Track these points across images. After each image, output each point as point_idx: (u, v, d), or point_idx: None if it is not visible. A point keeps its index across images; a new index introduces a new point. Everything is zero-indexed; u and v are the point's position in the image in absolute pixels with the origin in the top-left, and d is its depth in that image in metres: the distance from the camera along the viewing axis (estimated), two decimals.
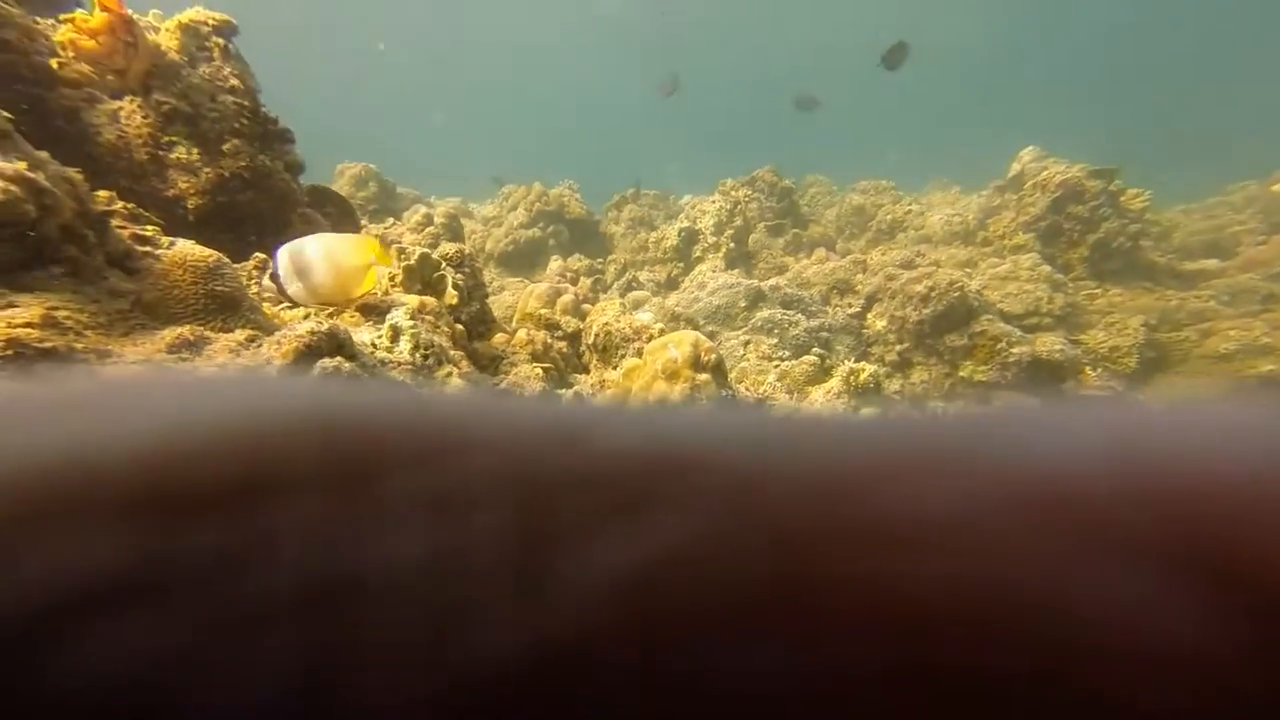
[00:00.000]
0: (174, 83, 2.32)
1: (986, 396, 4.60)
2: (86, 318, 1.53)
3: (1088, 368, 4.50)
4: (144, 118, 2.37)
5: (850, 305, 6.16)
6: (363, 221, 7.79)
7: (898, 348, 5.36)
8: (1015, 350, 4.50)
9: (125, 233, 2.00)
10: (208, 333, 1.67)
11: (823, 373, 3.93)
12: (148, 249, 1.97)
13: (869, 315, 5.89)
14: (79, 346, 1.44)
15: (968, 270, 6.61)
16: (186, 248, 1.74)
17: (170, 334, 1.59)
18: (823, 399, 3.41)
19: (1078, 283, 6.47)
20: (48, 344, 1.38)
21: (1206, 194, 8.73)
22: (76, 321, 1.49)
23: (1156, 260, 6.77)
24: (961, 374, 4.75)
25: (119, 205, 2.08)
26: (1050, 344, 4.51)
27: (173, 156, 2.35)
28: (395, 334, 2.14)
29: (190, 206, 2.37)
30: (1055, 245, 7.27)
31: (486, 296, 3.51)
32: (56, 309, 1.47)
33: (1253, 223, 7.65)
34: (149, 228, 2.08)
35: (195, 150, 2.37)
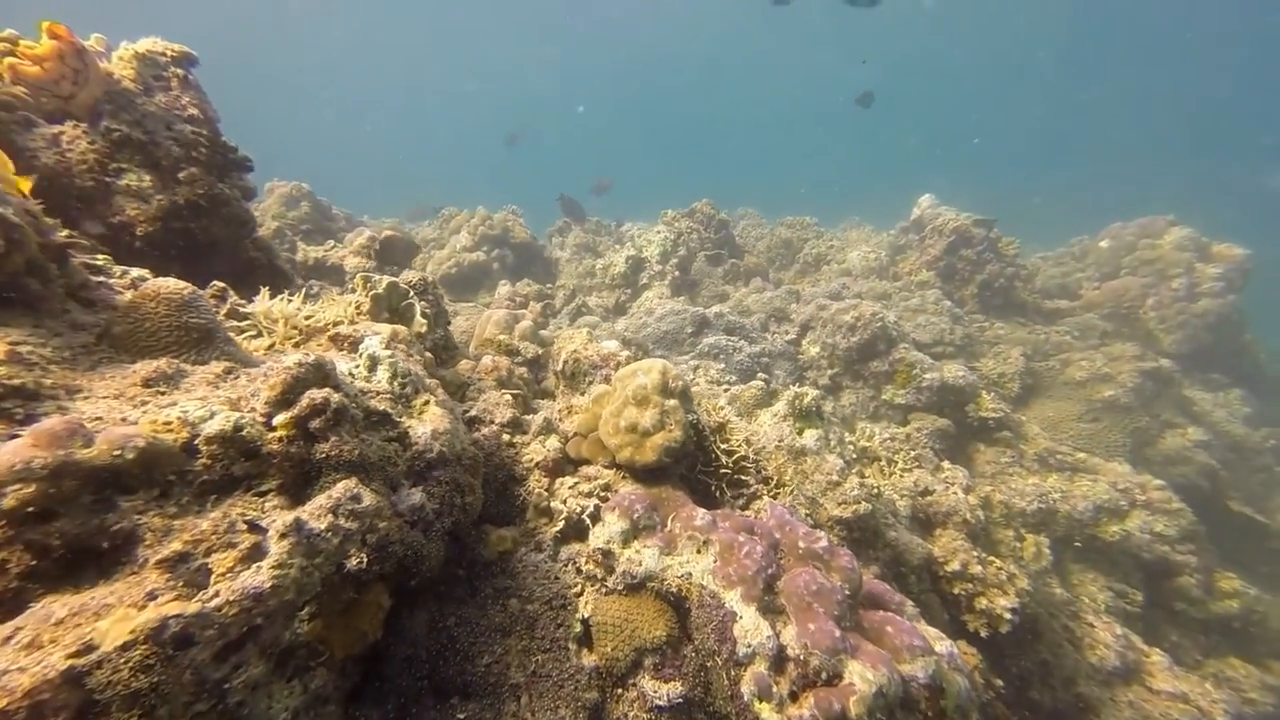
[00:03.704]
0: (127, 111, 2.22)
1: (905, 417, 5.19)
2: (50, 352, 1.46)
3: (983, 392, 5.24)
4: (90, 144, 2.24)
5: (787, 332, 6.70)
6: (296, 241, 7.39)
7: (829, 372, 5.91)
8: (928, 376, 5.15)
9: (74, 262, 1.89)
10: (184, 365, 1.62)
11: (768, 396, 4.28)
12: (101, 279, 1.88)
13: (804, 342, 6.44)
14: (47, 382, 1.38)
15: (885, 302, 7.44)
16: (160, 280, 1.69)
17: (145, 367, 1.54)
18: (770, 421, 3.73)
19: (971, 316, 7.49)
20: (15, 380, 1.32)
21: (1055, 244, 10.51)
22: (40, 356, 1.42)
23: (1026, 299, 8.02)
24: (884, 397, 5.33)
25: (64, 233, 1.97)
26: (955, 371, 5.21)
27: (121, 183, 2.22)
28: (373, 363, 2.15)
29: (139, 234, 2.24)
30: (952, 282, 8.39)
31: (448, 323, 3.52)
32: (19, 344, 1.40)
33: (1089, 270, 9.30)
34: (100, 257, 1.98)
35: (147, 177, 2.26)
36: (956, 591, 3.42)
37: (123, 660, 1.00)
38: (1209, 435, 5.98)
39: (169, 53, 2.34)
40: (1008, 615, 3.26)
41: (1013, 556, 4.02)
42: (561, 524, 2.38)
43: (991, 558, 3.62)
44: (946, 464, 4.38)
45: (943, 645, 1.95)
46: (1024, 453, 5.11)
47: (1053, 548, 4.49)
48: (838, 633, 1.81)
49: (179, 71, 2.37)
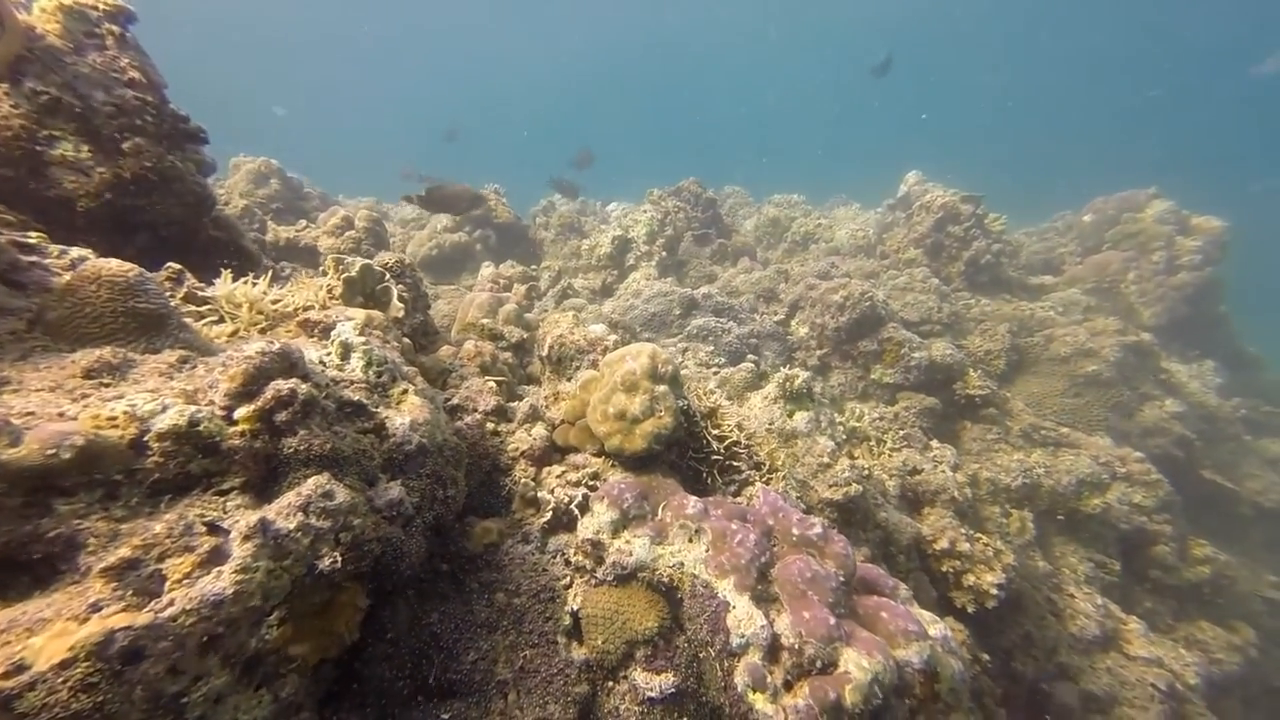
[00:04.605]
0: (55, 71, 2.01)
1: (893, 396, 5.19)
2: None
3: (970, 369, 5.25)
4: (13, 107, 2.03)
5: (775, 313, 6.64)
6: (266, 221, 7.06)
7: (818, 352, 5.88)
8: (916, 355, 5.14)
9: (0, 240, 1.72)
10: (132, 355, 1.49)
11: (758, 378, 4.23)
12: (34, 259, 1.72)
13: (792, 322, 6.39)
14: None
15: (873, 280, 7.40)
16: (102, 261, 1.54)
17: (86, 357, 1.40)
18: (760, 404, 3.68)
19: (958, 293, 7.50)
20: None
21: (1038, 219, 10.57)
22: None
23: (1012, 275, 8.05)
24: (873, 376, 5.33)
25: None
26: (942, 349, 5.21)
27: (55, 153, 2.03)
28: (346, 351, 2.02)
29: (80, 210, 2.06)
30: (939, 260, 8.37)
31: (428, 307, 3.38)
32: None
33: (1072, 245, 9.36)
34: (33, 234, 1.81)
35: (85, 147, 2.06)
36: (945, 569, 3.46)
37: (60, 680, 0.90)
38: (1184, 406, 6.12)
39: (102, 6, 2.11)
40: (994, 591, 3.31)
41: (999, 532, 4.09)
42: (549, 514, 2.31)
43: (979, 534, 3.66)
44: (935, 442, 4.40)
45: (937, 629, 1.94)
46: (1009, 429, 5.16)
47: (1036, 521, 4.58)
48: (832, 620, 1.78)
49: (114, 29, 2.14)
